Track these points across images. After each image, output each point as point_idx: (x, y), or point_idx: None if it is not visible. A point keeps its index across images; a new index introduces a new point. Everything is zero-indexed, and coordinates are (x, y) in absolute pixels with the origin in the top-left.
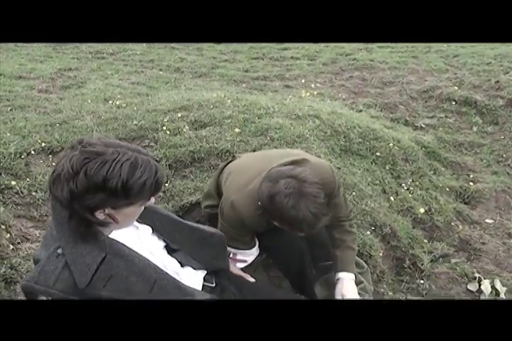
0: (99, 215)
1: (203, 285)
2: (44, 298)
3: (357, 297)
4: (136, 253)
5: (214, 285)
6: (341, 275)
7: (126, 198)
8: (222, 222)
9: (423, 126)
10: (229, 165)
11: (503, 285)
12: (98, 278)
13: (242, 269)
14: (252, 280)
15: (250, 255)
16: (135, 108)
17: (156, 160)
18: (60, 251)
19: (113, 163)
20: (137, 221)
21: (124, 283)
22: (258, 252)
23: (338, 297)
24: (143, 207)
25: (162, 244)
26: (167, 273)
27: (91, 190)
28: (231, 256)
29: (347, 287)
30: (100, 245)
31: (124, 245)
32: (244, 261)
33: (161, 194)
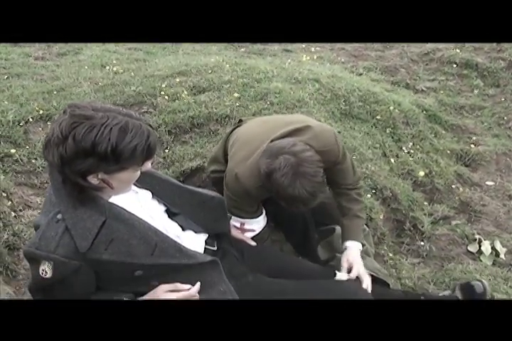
0: (93, 180)
1: (205, 249)
2: (47, 263)
3: (362, 265)
4: (136, 216)
5: (216, 248)
6: (348, 243)
7: (117, 163)
8: (227, 193)
9: (424, 89)
10: (235, 130)
11: (503, 246)
12: (99, 242)
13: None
14: (254, 243)
15: (257, 224)
16: (132, 74)
17: (150, 125)
18: (59, 216)
19: (102, 128)
20: (136, 186)
21: (125, 246)
22: (265, 221)
23: (344, 265)
24: (138, 173)
25: (162, 208)
26: (168, 236)
27: (80, 154)
28: (239, 226)
29: (353, 255)
30: (100, 209)
31: (124, 209)
32: (253, 231)
33: (160, 160)
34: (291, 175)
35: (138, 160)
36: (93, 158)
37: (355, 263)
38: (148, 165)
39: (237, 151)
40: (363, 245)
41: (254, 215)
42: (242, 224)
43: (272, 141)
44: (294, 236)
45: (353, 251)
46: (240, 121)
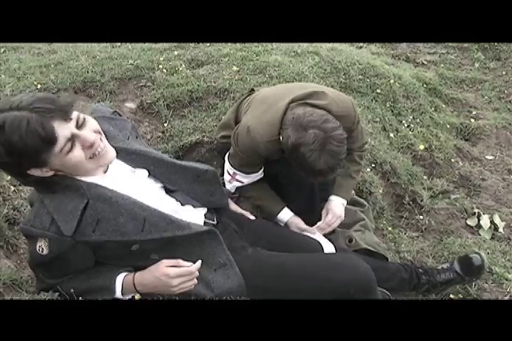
0: (44, 173)
1: (205, 223)
2: (42, 241)
3: (341, 215)
4: (120, 193)
5: (215, 222)
6: (332, 197)
7: (28, 160)
8: (234, 147)
9: (424, 62)
10: (248, 97)
11: (502, 220)
12: (86, 224)
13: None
14: (253, 217)
15: (248, 179)
16: (130, 47)
17: (38, 108)
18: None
19: None
20: (132, 166)
21: (112, 225)
22: (258, 178)
23: (323, 213)
24: (77, 151)
25: (159, 185)
26: (156, 210)
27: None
28: (231, 173)
29: (333, 207)
30: (80, 191)
31: (106, 187)
32: (241, 182)
33: (159, 134)
34: (319, 151)
35: (42, 148)
36: (8, 167)
37: (330, 212)
38: (68, 131)
39: (253, 109)
40: (363, 220)
41: (253, 171)
42: (235, 174)
43: (292, 100)
44: (298, 203)
45: (335, 202)
46: (252, 90)
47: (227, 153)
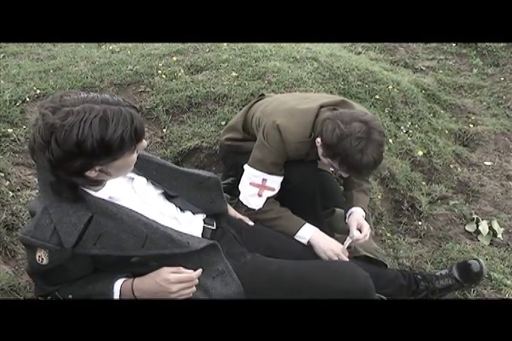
0: (91, 174)
1: (204, 228)
2: (42, 251)
3: (368, 228)
4: (125, 209)
5: (214, 227)
6: (355, 209)
7: (108, 155)
8: (265, 144)
9: (423, 68)
10: (258, 102)
11: (501, 226)
12: (88, 237)
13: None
14: (251, 223)
15: (277, 183)
16: (129, 52)
17: (130, 105)
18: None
19: (81, 124)
20: (134, 172)
21: (114, 241)
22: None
23: (354, 223)
24: (135, 155)
25: (159, 191)
26: (159, 227)
27: (68, 156)
28: (260, 182)
29: (360, 217)
30: (86, 205)
31: (112, 203)
32: (273, 190)
33: (158, 140)
34: (364, 141)
35: (129, 146)
36: (82, 157)
37: (364, 223)
38: (143, 144)
39: (275, 111)
40: None
41: (278, 172)
42: (264, 180)
43: (321, 105)
44: (299, 209)
45: (359, 214)
46: (262, 95)
47: (248, 163)
